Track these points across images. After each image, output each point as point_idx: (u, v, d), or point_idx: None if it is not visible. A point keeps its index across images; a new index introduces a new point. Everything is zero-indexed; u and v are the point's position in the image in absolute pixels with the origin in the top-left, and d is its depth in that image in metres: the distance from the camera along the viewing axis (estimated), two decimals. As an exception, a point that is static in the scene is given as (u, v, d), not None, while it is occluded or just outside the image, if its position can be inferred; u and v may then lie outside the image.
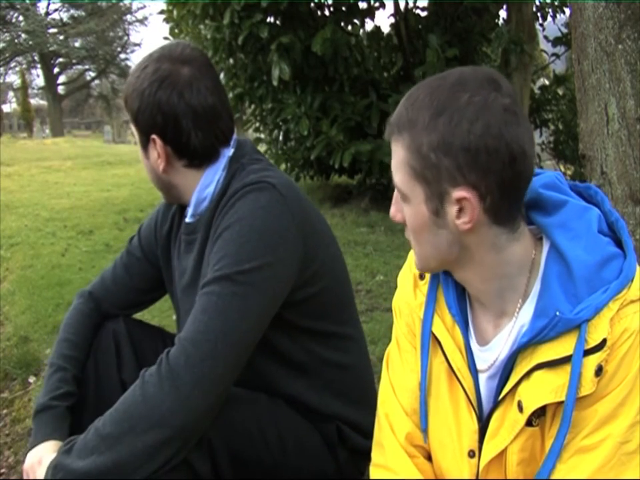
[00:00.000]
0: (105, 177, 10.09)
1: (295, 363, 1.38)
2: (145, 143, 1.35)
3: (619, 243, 0.95)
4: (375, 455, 1.15)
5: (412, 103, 0.92)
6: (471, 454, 1.03)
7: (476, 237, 0.93)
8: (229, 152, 1.37)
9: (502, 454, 0.98)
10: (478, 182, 0.88)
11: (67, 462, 1.14)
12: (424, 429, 1.08)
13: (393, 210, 1.00)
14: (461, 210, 0.90)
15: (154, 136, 1.32)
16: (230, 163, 1.36)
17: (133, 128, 1.38)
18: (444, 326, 1.04)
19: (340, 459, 1.40)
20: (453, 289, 1.03)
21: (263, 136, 7.21)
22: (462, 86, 0.89)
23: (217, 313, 1.18)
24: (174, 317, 2.79)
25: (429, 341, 1.05)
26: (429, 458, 1.12)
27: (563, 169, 7.40)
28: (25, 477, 1.28)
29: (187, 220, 1.41)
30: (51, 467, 1.16)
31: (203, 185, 1.36)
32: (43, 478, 1.18)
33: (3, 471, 2.19)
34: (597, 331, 0.88)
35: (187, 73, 1.30)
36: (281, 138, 6.78)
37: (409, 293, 1.10)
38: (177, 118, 1.30)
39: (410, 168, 0.92)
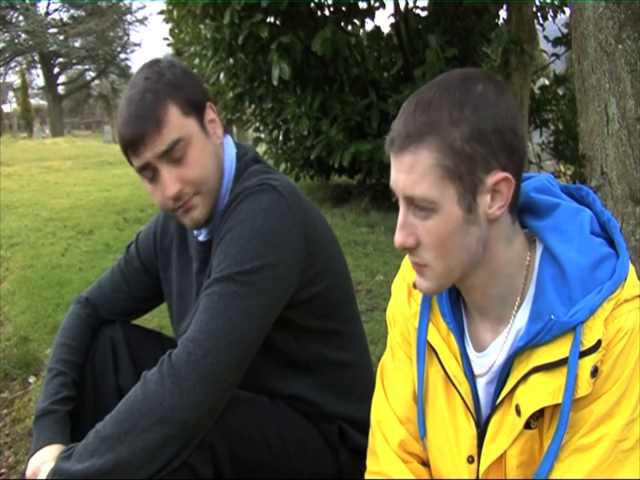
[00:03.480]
0: (105, 177, 10.09)
1: (299, 363, 1.38)
2: (201, 122, 1.33)
3: (611, 243, 0.96)
4: (369, 462, 1.16)
5: (427, 106, 0.90)
6: (470, 459, 1.03)
7: (497, 229, 0.94)
8: (233, 149, 1.39)
9: (501, 458, 0.99)
10: (507, 162, 0.90)
11: (66, 466, 1.13)
12: (422, 436, 1.08)
13: (402, 236, 0.93)
14: (493, 196, 0.91)
15: (209, 103, 1.34)
16: (236, 160, 1.38)
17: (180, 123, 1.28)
18: (439, 334, 1.04)
19: (341, 459, 1.40)
20: (446, 297, 1.04)
21: (263, 136, 7.21)
22: (471, 79, 0.91)
23: (218, 312, 1.18)
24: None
25: (425, 349, 1.06)
26: (423, 464, 1.12)
27: (562, 169, 7.41)
28: None
29: (202, 238, 1.39)
30: (50, 472, 1.16)
31: (222, 192, 1.35)
32: None
33: (3, 471, 2.18)
34: (591, 332, 0.89)
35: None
36: (280, 138, 6.78)
37: (403, 303, 1.10)
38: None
39: (442, 169, 0.89)
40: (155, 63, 1.33)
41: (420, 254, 0.95)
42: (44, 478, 1.17)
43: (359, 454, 1.40)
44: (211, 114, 1.33)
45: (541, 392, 0.91)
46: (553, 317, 0.90)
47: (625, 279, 0.91)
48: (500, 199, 0.91)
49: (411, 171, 0.90)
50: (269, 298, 1.23)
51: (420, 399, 1.07)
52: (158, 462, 1.13)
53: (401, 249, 0.95)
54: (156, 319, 3.13)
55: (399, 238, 0.94)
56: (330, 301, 1.38)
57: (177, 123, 1.26)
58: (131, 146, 1.26)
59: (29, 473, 1.26)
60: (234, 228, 1.25)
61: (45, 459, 1.24)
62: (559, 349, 0.90)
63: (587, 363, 0.88)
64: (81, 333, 1.50)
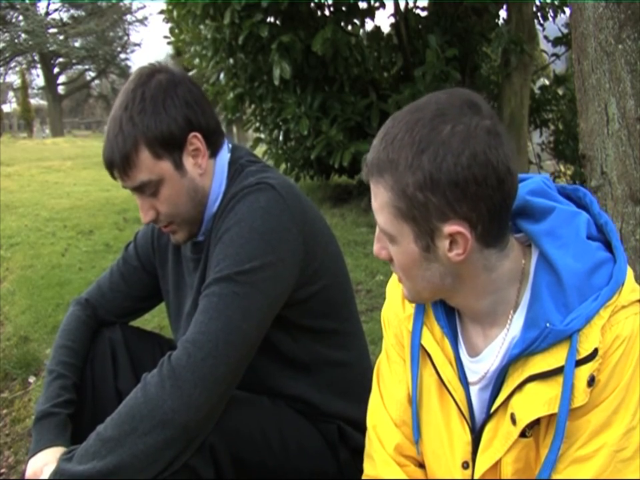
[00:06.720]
0: (105, 177, 9.95)
1: (297, 363, 1.38)
2: (179, 160, 1.30)
3: (609, 246, 0.94)
4: (366, 466, 1.15)
5: (391, 141, 0.87)
6: (465, 465, 1.02)
7: (468, 264, 0.91)
8: (227, 156, 1.38)
9: (496, 465, 0.98)
10: (469, 213, 0.86)
11: (68, 467, 1.13)
12: (416, 440, 1.07)
13: (376, 248, 0.97)
14: (452, 243, 0.89)
15: (194, 133, 1.29)
16: (229, 166, 1.37)
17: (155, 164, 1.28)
18: (433, 338, 1.03)
19: (341, 459, 1.40)
20: (440, 301, 1.03)
21: (263, 136, 7.20)
22: (442, 117, 0.85)
23: (218, 313, 1.18)
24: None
25: (419, 353, 1.05)
26: (420, 466, 1.11)
27: (562, 169, 7.40)
28: None
29: (196, 238, 1.39)
30: (52, 474, 1.15)
31: (212, 199, 1.35)
32: None
33: (3, 471, 2.18)
34: (588, 341, 0.87)
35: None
36: (281, 138, 6.78)
37: (398, 305, 1.09)
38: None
39: (395, 209, 0.89)
40: (143, 83, 1.28)
41: (394, 268, 0.98)
42: (45, 479, 1.17)
43: (359, 454, 1.40)
44: (194, 144, 1.30)
45: (537, 401, 0.90)
46: (548, 324, 0.88)
47: (622, 284, 0.89)
48: (458, 247, 0.89)
49: (374, 199, 0.93)
50: (269, 298, 1.23)
51: (414, 402, 1.06)
52: (159, 464, 1.13)
53: (378, 258, 0.99)
54: (156, 319, 3.13)
55: (375, 249, 0.98)
56: (328, 300, 1.38)
57: (147, 165, 1.27)
58: (108, 171, 1.30)
59: (29, 474, 1.25)
60: (232, 228, 1.24)
61: (46, 460, 1.24)
62: (555, 358, 0.88)
63: (584, 372, 0.87)
64: (81, 335, 1.50)
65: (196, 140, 1.30)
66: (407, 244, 0.91)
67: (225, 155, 1.38)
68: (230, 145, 1.41)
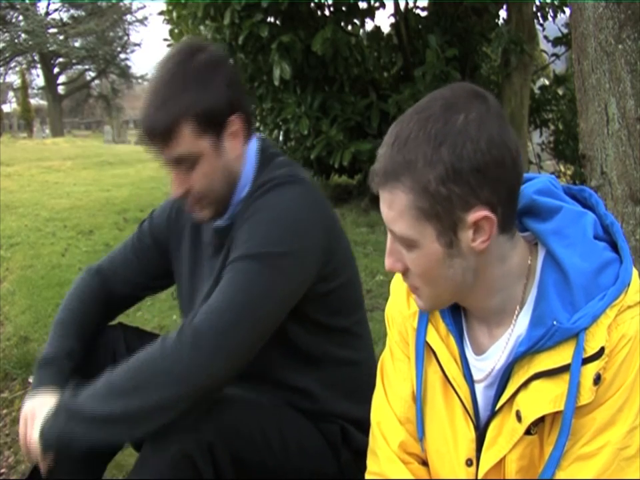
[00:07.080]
0: (105, 177, 10.08)
1: (308, 357, 1.39)
2: (218, 139, 1.30)
3: (614, 246, 0.94)
4: (369, 463, 1.16)
5: (404, 143, 0.87)
6: (469, 462, 1.02)
7: (486, 255, 0.91)
8: (256, 143, 1.40)
9: (500, 462, 0.98)
10: (490, 197, 0.86)
11: (72, 405, 1.15)
12: (420, 437, 1.08)
13: (390, 262, 0.95)
14: (476, 231, 0.88)
15: (235, 114, 1.30)
16: (259, 154, 1.38)
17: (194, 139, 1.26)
18: (438, 336, 1.03)
19: (342, 459, 1.40)
20: None
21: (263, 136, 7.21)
22: (453, 109, 0.86)
23: (242, 287, 1.21)
24: (174, 317, 2.77)
25: (423, 350, 1.05)
26: (424, 464, 1.11)
27: (562, 169, 7.41)
28: (22, 423, 1.26)
29: (221, 223, 1.38)
30: (54, 408, 1.16)
31: (242, 184, 1.35)
32: (43, 420, 1.18)
33: (3, 470, 2.18)
34: (594, 339, 0.88)
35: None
36: (281, 138, 6.78)
37: (402, 302, 1.09)
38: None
39: (417, 210, 0.88)
40: (186, 59, 1.27)
41: (409, 278, 0.97)
42: (42, 416, 1.19)
43: (361, 455, 1.40)
44: (234, 125, 1.30)
45: (543, 399, 0.90)
46: (555, 322, 0.88)
47: (628, 284, 0.90)
48: (482, 234, 0.89)
49: (390, 208, 0.91)
50: (291, 283, 1.25)
51: (419, 400, 1.07)
52: (165, 417, 1.16)
53: (391, 272, 0.97)
54: (156, 319, 3.13)
55: (387, 263, 0.96)
56: (343, 298, 1.40)
57: (188, 141, 1.26)
58: (144, 141, 1.29)
59: (25, 412, 1.26)
60: (261, 211, 1.27)
61: (45, 401, 1.25)
62: (561, 356, 0.89)
63: (590, 370, 0.88)
64: (90, 300, 1.52)
65: (237, 122, 1.31)
66: (429, 244, 0.90)
67: (254, 142, 1.39)
68: (258, 134, 1.43)
